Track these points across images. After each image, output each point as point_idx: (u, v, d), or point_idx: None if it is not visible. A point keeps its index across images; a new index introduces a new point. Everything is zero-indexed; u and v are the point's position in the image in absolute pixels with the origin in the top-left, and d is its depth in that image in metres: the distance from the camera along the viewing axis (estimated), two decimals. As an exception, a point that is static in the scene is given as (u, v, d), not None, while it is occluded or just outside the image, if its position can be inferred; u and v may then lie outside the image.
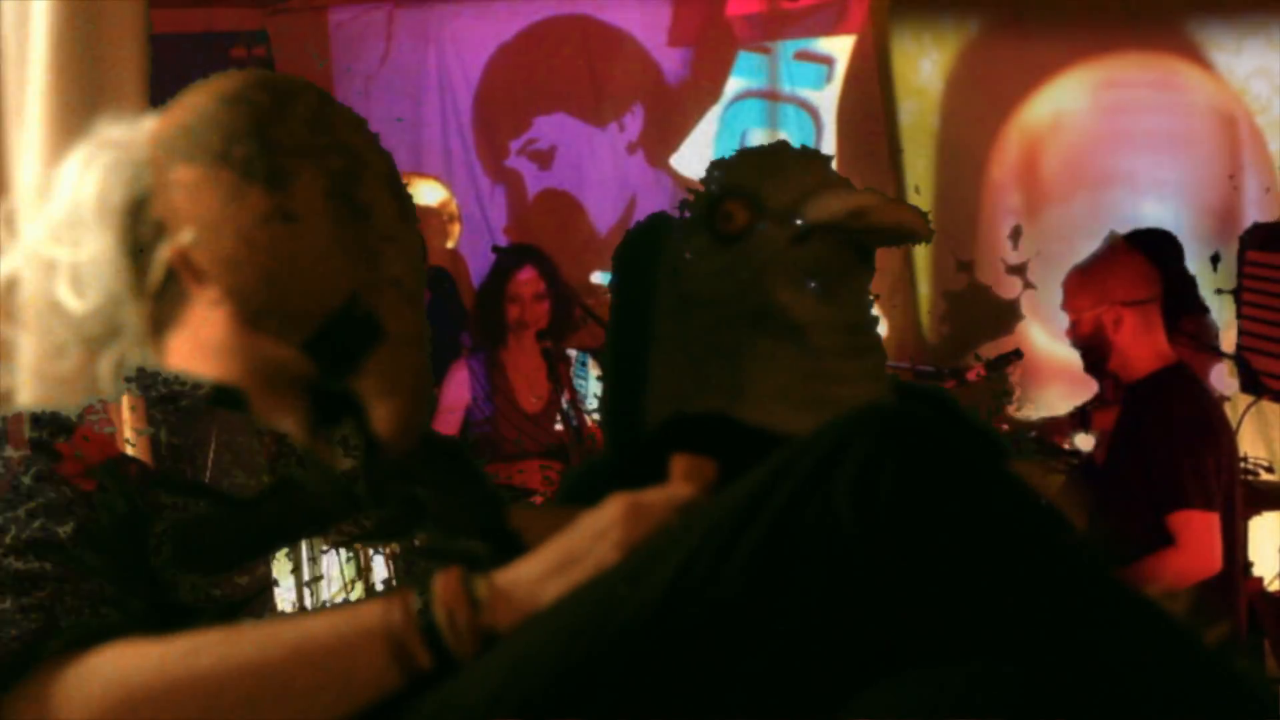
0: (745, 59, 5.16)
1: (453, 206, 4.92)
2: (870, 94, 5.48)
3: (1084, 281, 2.87)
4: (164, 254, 1.05)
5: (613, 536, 0.96)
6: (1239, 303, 3.42)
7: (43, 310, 1.06)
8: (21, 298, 1.06)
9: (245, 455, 1.04)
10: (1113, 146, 4.92)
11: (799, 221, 1.09)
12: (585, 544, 0.97)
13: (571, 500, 1.13)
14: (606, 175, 5.02)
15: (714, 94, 5.07)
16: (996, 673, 0.90)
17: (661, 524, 0.97)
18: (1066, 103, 5.04)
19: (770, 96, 5.23)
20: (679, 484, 1.01)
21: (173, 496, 1.00)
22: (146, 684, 0.91)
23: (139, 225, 1.06)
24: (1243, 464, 3.13)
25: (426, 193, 4.60)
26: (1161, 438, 2.70)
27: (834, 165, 1.16)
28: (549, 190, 5.07)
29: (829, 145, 5.42)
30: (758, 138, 5.21)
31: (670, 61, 4.98)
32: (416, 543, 1.09)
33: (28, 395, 1.05)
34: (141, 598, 0.96)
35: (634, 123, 4.93)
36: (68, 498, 0.96)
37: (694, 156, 4.98)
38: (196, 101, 1.06)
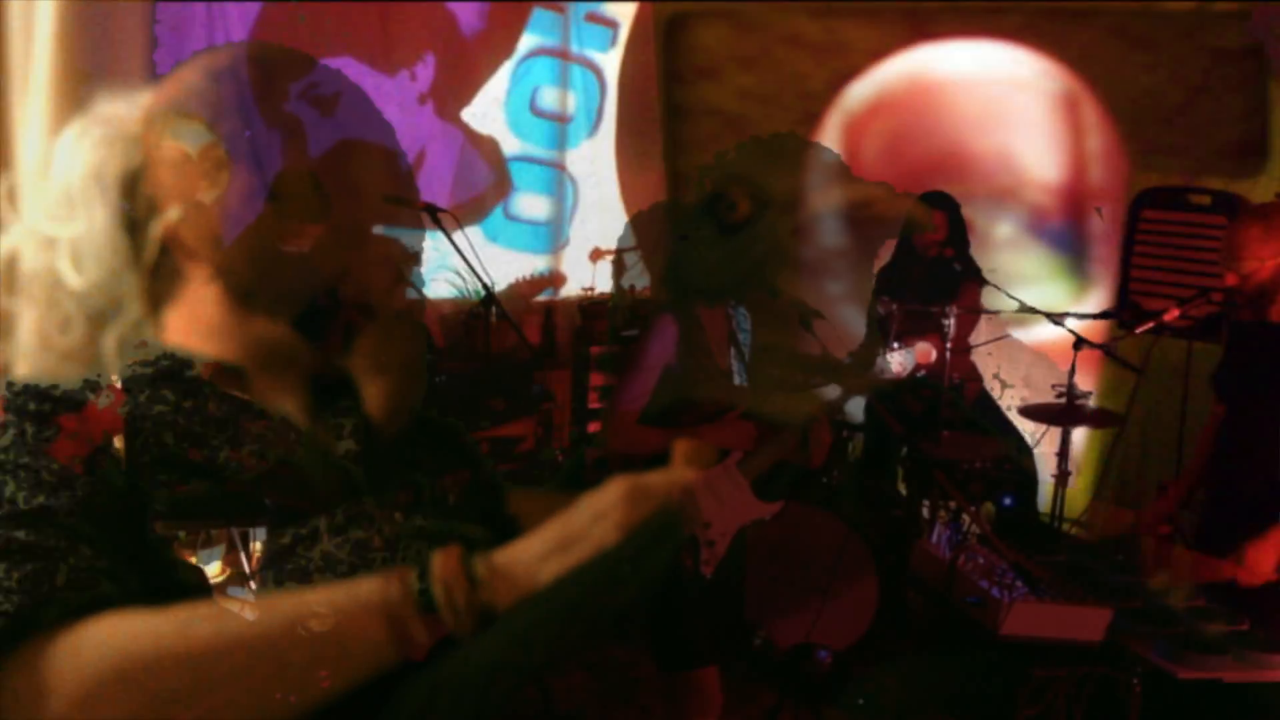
0: (540, 16, 5.13)
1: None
2: (647, 60, 5.56)
3: (1269, 230, 2.88)
4: (156, 231, 1.03)
5: (614, 517, 0.98)
6: (1130, 254, 4.21)
7: (45, 285, 1.01)
8: (23, 273, 1.01)
9: (244, 435, 1.01)
10: (941, 128, 5.08)
11: (802, 211, 1.13)
12: (585, 524, 0.99)
13: (569, 487, 1.13)
14: (395, 126, 4.86)
15: (508, 49, 5.03)
16: (994, 661, 0.97)
17: (662, 506, 0.99)
18: (885, 85, 5.21)
19: (561, 55, 5.21)
20: (680, 467, 1.04)
21: (170, 474, 0.97)
22: (141, 653, 0.89)
23: (133, 201, 1.03)
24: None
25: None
26: None
27: (836, 156, 1.20)
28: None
29: (611, 107, 5.45)
30: (548, 96, 5.19)
31: (465, 13, 4.87)
32: (414, 525, 1.07)
33: (26, 368, 0.99)
34: (138, 573, 0.94)
35: (425, 73, 4.80)
36: (68, 471, 0.93)
37: (485, 112, 4.93)
38: (187, 76, 1.04)
